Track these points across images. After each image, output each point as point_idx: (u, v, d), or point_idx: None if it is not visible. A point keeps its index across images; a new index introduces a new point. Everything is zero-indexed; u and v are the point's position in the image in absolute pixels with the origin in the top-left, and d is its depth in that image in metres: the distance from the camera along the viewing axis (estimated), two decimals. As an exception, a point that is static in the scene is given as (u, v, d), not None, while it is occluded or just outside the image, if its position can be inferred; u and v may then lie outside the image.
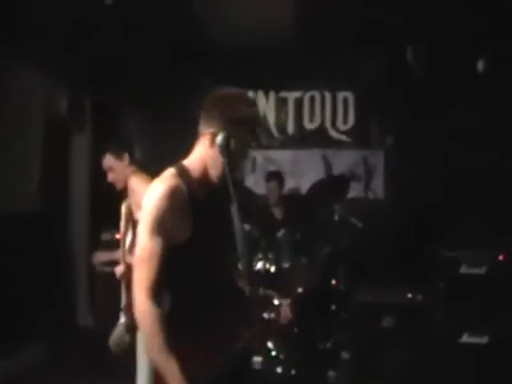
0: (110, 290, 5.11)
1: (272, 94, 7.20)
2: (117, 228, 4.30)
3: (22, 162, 5.53)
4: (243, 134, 2.19)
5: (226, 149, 2.11)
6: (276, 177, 6.13)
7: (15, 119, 5.42)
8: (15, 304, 5.05)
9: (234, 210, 2.08)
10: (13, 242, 5.14)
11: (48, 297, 5.75)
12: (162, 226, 2.07)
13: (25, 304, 5.23)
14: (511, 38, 5.58)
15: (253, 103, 2.36)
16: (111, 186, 4.15)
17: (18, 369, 5.06)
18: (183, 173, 2.18)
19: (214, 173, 2.21)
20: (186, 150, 2.31)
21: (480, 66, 6.13)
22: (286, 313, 1.96)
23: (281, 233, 5.34)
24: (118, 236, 4.31)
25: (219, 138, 2.12)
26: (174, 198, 2.09)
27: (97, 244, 5.28)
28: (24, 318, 5.19)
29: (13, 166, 5.33)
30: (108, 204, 4.38)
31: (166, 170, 2.23)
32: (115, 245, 4.33)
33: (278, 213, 5.93)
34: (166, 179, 2.14)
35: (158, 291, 2.04)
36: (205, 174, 2.22)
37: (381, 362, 4.91)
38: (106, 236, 4.59)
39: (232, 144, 2.14)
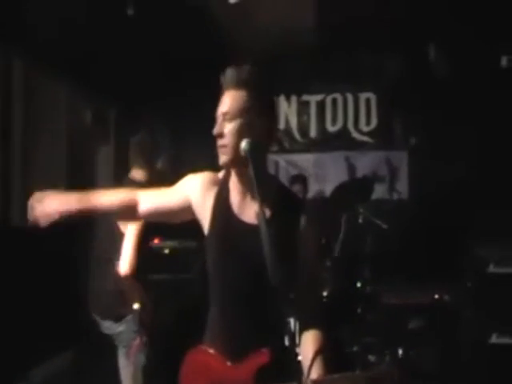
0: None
1: (294, 98, 7.21)
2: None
3: (47, 174, 5.60)
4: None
5: (252, 153, 2.02)
6: (300, 180, 6.13)
7: (40, 131, 5.50)
8: (45, 312, 5.12)
9: (260, 217, 1.90)
10: (42, 252, 5.22)
11: (77, 305, 5.81)
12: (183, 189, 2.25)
13: (54, 312, 5.29)
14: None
15: None
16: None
17: (50, 376, 5.15)
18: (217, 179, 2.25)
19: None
20: (209, 161, 2.33)
21: (503, 62, 6.07)
22: None
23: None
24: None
25: (244, 143, 2.03)
26: (205, 183, 2.23)
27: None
28: (54, 326, 5.26)
29: (39, 178, 5.40)
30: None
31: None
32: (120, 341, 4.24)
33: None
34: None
35: None
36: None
37: (409, 365, 4.88)
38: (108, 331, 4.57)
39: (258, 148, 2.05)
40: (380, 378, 1.80)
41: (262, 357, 2.00)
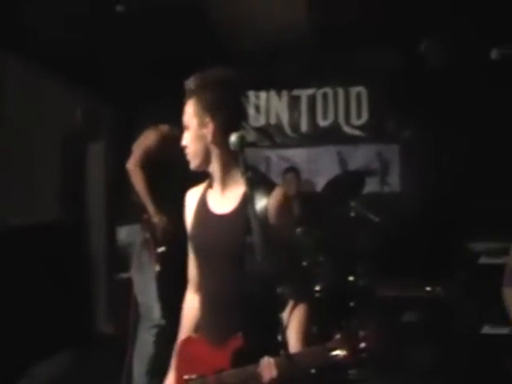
0: (128, 297, 5.14)
1: (284, 93, 7.21)
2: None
3: (40, 173, 5.60)
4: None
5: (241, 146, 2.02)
6: (293, 170, 6.18)
7: (32, 130, 5.50)
8: (38, 314, 5.12)
9: (251, 209, 1.96)
10: (33, 251, 5.22)
11: (70, 305, 5.82)
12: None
13: (48, 314, 5.29)
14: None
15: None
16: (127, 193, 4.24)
17: (52, 373, 5.18)
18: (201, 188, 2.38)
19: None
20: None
21: (494, 54, 6.07)
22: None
23: (299, 230, 5.32)
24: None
25: (233, 137, 2.02)
26: (187, 201, 2.42)
27: (114, 252, 5.30)
28: (48, 327, 5.27)
29: (31, 177, 5.40)
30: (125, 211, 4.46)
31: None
32: (133, 251, 4.35)
33: (295, 210, 5.89)
34: None
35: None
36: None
37: (403, 358, 4.90)
38: (122, 242, 4.59)
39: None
40: (336, 346, 1.86)
41: (236, 341, 2.06)
